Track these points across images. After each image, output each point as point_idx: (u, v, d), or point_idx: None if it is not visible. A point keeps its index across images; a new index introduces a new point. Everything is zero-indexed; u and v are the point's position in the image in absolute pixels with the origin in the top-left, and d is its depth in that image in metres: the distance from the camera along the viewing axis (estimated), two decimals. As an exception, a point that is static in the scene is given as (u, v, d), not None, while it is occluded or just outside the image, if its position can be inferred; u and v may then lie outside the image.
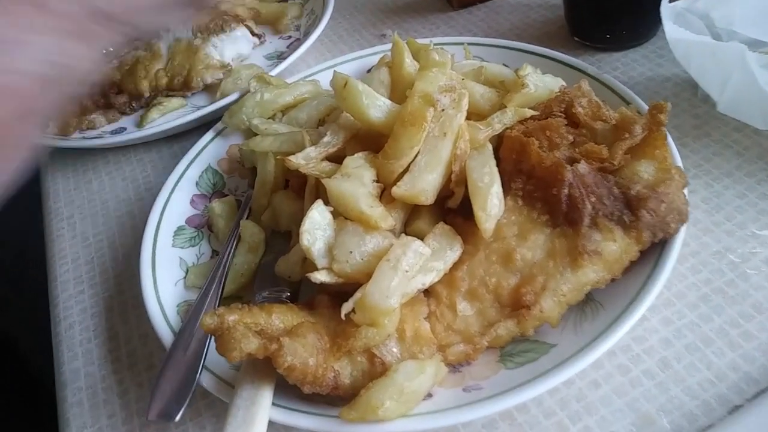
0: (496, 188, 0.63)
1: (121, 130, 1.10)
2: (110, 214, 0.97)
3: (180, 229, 0.82)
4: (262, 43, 1.24)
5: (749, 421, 0.56)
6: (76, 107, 1.09)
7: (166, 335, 0.67)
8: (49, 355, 0.79)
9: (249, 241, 0.75)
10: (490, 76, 0.81)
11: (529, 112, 0.71)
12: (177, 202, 0.85)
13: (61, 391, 0.73)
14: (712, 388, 0.59)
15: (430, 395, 0.58)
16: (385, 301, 0.55)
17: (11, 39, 0.48)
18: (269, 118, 0.91)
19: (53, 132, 1.07)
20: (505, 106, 0.73)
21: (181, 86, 1.11)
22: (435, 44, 0.84)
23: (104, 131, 1.10)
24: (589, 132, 0.70)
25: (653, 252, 0.63)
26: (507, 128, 0.70)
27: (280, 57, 1.21)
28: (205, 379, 0.61)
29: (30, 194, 0.99)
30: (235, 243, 0.77)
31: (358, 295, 0.57)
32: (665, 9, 0.81)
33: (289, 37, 1.27)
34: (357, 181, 0.65)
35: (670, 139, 0.68)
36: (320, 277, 0.60)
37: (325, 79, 0.97)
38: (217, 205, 0.83)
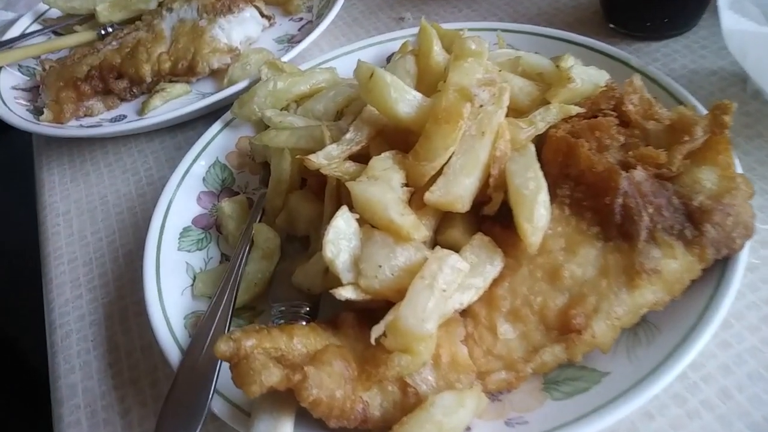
0: (543, 196, 0.56)
1: (120, 118, 1.03)
2: (109, 210, 0.90)
3: (186, 230, 0.76)
4: (271, 24, 1.17)
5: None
6: (73, 92, 1.01)
7: (173, 353, 0.61)
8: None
9: (263, 247, 0.68)
10: (528, 67, 0.73)
11: (576, 109, 0.64)
12: (182, 199, 0.78)
13: (57, 409, 0.67)
14: (781, 423, 0.53)
15: (468, 429, 0.52)
16: (420, 326, 0.49)
17: None
18: (282, 109, 0.84)
19: (48, 119, 1.00)
20: (548, 102, 0.66)
21: (185, 71, 1.04)
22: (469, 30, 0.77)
23: (103, 119, 1.03)
24: (641, 133, 0.63)
25: (714, 269, 0.56)
26: (551, 127, 0.63)
27: (291, 40, 1.13)
28: (217, 405, 0.55)
29: (28, 188, 0.93)
30: (247, 248, 0.70)
31: (389, 317, 0.50)
32: (722, -4, 0.73)
33: (301, 18, 1.19)
34: (385, 185, 0.59)
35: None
36: (345, 293, 0.54)
37: (341, 66, 0.90)
38: (227, 205, 0.76)
